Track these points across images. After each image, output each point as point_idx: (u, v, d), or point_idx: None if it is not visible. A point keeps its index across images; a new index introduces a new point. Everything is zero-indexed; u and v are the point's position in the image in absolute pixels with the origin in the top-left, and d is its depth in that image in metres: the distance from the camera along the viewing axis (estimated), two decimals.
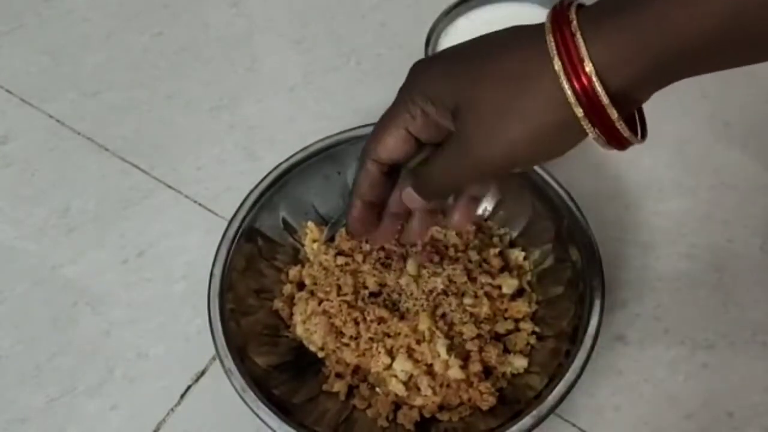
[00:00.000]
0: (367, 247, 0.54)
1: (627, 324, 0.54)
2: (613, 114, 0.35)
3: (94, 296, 0.57)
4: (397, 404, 0.50)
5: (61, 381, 0.54)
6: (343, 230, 0.55)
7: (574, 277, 0.51)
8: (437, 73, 0.39)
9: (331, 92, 0.67)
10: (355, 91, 0.66)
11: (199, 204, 0.61)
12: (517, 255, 0.54)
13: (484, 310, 0.51)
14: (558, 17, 0.36)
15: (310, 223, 0.56)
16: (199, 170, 0.63)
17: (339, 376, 0.51)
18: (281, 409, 0.47)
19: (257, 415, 0.47)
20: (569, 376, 0.47)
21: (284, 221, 0.56)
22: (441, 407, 0.50)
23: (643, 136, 0.38)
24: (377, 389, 0.51)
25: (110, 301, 0.57)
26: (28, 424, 0.53)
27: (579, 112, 0.35)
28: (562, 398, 0.46)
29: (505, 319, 0.52)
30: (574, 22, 0.36)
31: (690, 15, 0.34)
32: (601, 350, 0.48)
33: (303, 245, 0.56)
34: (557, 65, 0.35)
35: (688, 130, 0.62)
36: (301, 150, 0.56)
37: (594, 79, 0.35)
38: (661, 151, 0.61)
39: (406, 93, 0.40)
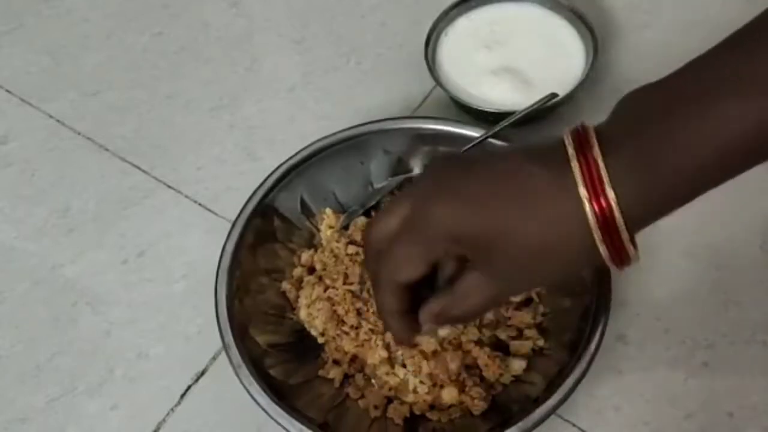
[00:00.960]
0: None
1: (627, 324, 0.54)
2: (625, 236, 0.36)
3: (94, 296, 0.57)
4: (389, 398, 0.50)
5: (61, 381, 0.54)
6: (357, 220, 0.56)
7: (582, 291, 0.51)
8: (461, 216, 0.39)
9: (331, 92, 0.66)
10: (355, 91, 0.66)
11: (199, 204, 0.61)
12: None
13: (488, 315, 0.51)
14: (581, 141, 0.37)
15: (327, 210, 0.56)
16: (199, 170, 0.63)
17: (336, 363, 0.52)
18: (275, 389, 0.48)
19: (248, 392, 0.47)
20: (555, 397, 0.46)
21: (303, 204, 0.56)
22: (432, 406, 0.50)
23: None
24: (372, 381, 0.51)
25: (110, 301, 0.57)
26: (28, 424, 0.53)
27: (598, 236, 0.36)
28: (548, 414, 0.46)
29: (508, 326, 0.52)
30: (596, 148, 0.36)
31: (706, 135, 0.35)
32: (601, 350, 0.48)
33: (319, 230, 0.56)
34: (582, 192, 0.36)
35: None
36: (326, 137, 0.56)
37: (614, 206, 0.36)
38: None
39: (425, 233, 0.40)
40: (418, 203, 0.40)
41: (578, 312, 0.50)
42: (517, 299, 0.52)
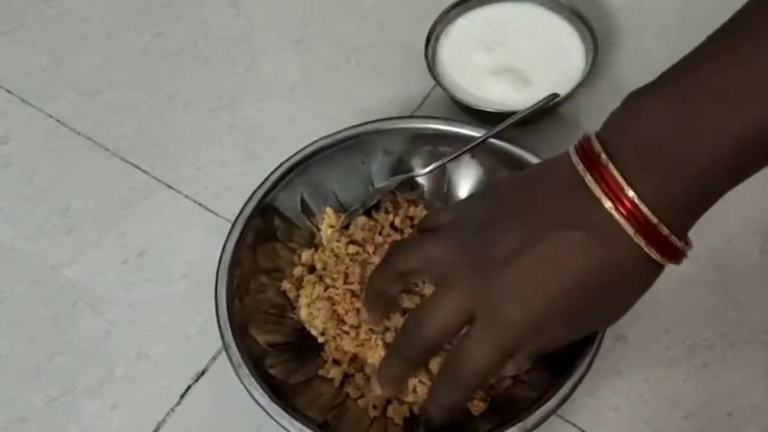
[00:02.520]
0: (379, 239, 0.54)
1: (627, 324, 0.54)
2: (664, 231, 0.37)
3: (94, 296, 0.57)
4: (389, 398, 0.50)
5: (61, 381, 0.54)
6: (358, 219, 0.55)
7: None
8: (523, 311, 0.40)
9: (331, 92, 0.66)
10: (355, 91, 0.66)
11: (199, 204, 0.61)
12: None
13: None
14: (585, 154, 0.38)
15: (328, 209, 0.56)
16: (199, 170, 0.63)
17: (336, 362, 0.52)
18: (275, 389, 0.48)
19: (248, 392, 0.47)
20: (555, 398, 0.46)
21: (303, 203, 0.56)
22: None
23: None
24: (372, 380, 0.51)
25: (110, 301, 0.57)
26: (28, 424, 0.53)
27: (641, 240, 0.37)
28: (548, 415, 0.46)
29: None
30: (603, 155, 0.37)
31: (718, 129, 0.35)
32: (601, 350, 0.48)
33: (319, 229, 0.56)
34: (606, 203, 0.37)
35: None
36: (327, 136, 0.56)
37: (637, 202, 0.36)
38: None
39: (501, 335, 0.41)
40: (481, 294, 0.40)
41: None
42: None
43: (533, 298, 0.39)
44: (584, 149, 0.38)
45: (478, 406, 0.49)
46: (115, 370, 0.54)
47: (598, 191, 0.36)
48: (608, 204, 0.36)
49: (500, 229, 0.40)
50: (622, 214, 0.36)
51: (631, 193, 0.36)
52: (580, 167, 0.37)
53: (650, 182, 0.36)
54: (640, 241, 0.37)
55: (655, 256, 0.37)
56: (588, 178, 0.37)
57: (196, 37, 0.71)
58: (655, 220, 0.36)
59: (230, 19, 0.72)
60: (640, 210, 0.36)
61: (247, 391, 0.47)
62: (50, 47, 0.70)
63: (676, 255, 0.38)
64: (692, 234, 0.57)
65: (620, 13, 0.68)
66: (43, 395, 0.54)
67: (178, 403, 0.53)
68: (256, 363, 0.49)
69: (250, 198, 0.54)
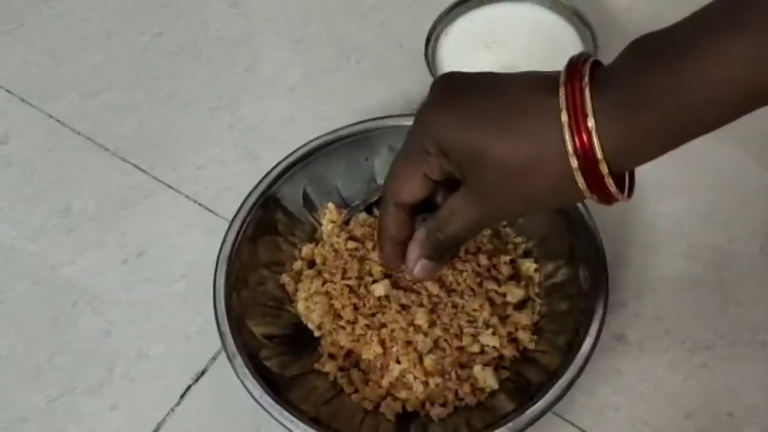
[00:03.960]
0: None
1: (627, 324, 0.54)
2: (604, 169, 0.37)
3: (94, 296, 0.57)
4: (383, 394, 0.51)
5: (61, 381, 0.54)
6: (359, 215, 0.56)
7: (579, 296, 0.51)
8: (450, 125, 0.40)
9: (331, 92, 0.66)
10: (355, 91, 0.66)
11: (199, 204, 0.61)
12: (528, 266, 0.54)
13: (484, 315, 0.51)
14: (572, 71, 0.37)
15: (330, 204, 0.57)
16: (199, 170, 0.63)
17: (332, 357, 0.52)
18: (269, 381, 0.48)
19: (242, 383, 0.47)
20: (547, 399, 0.46)
21: (305, 198, 0.56)
22: (424, 403, 0.50)
23: (630, 193, 0.39)
24: (367, 376, 0.51)
25: (110, 301, 0.57)
26: (28, 424, 0.53)
27: (574, 163, 0.37)
28: (540, 415, 0.46)
29: (503, 325, 0.52)
30: (586, 78, 0.37)
31: (704, 74, 0.35)
32: (601, 350, 0.48)
33: (321, 224, 0.57)
34: (563, 117, 0.36)
35: None
36: (332, 132, 0.56)
37: (593, 135, 0.36)
38: None
39: (419, 140, 0.41)
40: (420, 113, 0.41)
41: (574, 314, 0.50)
42: (514, 301, 0.52)
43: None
44: (573, 64, 0.38)
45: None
46: (115, 370, 0.54)
47: (562, 101, 0.37)
48: (564, 118, 0.36)
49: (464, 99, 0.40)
50: (573, 134, 0.36)
51: (591, 123, 0.36)
52: (563, 76, 0.38)
53: (615, 121, 0.36)
54: (574, 164, 0.37)
55: (581, 184, 0.37)
56: (561, 89, 0.37)
57: (196, 37, 0.71)
58: (600, 155, 0.36)
59: (230, 19, 0.72)
60: (591, 142, 0.36)
61: (241, 382, 0.47)
62: (50, 47, 0.70)
63: (605, 195, 0.38)
64: (693, 233, 0.58)
65: (620, 13, 0.68)
66: (43, 395, 0.54)
67: (178, 403, 0.53)
68: (251, 355, 0.49)
69: (253, 190, 0.54)
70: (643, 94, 0.36)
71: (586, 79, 0.37)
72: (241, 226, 0.53)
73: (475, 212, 0.41)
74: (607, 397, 0.52)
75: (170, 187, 0.62)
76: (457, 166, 0.40)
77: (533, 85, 0.39)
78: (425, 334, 0.50)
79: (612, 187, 0.37)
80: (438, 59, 0.63)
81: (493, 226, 0.54)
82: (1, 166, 0.64)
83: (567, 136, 0.36)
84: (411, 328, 0.50)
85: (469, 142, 0.39)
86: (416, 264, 0.44)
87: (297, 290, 0.54)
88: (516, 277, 0.54)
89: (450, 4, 0.64)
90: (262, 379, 0.48)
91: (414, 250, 0.44)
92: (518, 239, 0.55)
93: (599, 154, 0.36)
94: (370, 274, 0.53)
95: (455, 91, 0.40)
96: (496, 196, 0.40)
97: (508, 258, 0.54)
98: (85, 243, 0.60)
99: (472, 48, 0.63)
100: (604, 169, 0.37)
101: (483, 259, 0.53)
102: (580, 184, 0.37)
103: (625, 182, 0.39)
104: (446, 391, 0.50)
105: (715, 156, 0.60)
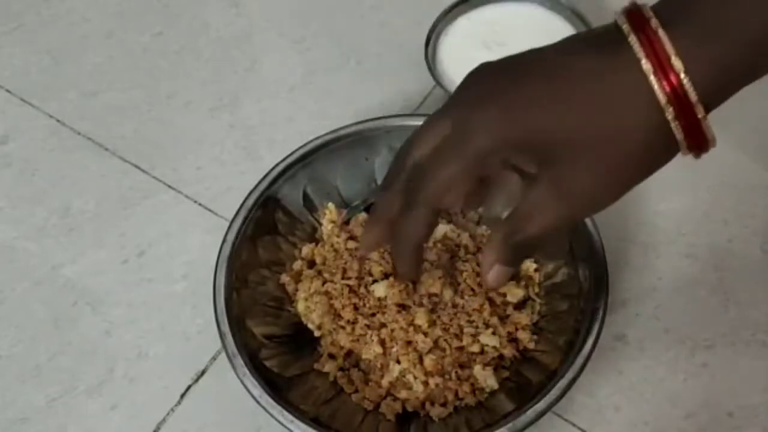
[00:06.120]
0: None
1: (627, 324, 0.54)
2: (700, 112, 0.34)
3: (94, 296, 0.57)
4: (383, 394, 0.51)
5: (61, 381, 0.54)
6: (359, 215, 0.56)
7: (579, 296, 0.51)
8: (516, 116, 0.36)
9: (331, 92, 0.66)
10: (355, 91, 0.66)
11: (199, 204, 0.61)
12: (528, 266, 0.54)
13: (484, 315, 0.51)
14: (634, 18, 0.34)
15: (330, 204, 0.57)
16: (199, 170, 0.63)
17: (332, 357, 0.52)
18: (269, 381, 0.48)
19: (242, 382, 0.47)
20: (547, 399, 0.46)
21: (306, 197, 0.56)
22: (424, 403, 0.50)
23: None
24: (366, 376, 0.51)
25: (110, 301, 0.57)
26: (28, 424, 0.53)
27: (669, 112, 0.34)
28: (540, 415, 0.46)
29: (503, 325, 0.52)
30: (654, 19, 0.34)
31: None
32: (601, 350, 0.48)
33: (321, 224, 0.57)
34: (646, 65, 0.33)
35: None
36: (332, 131, 0.56)
37: (683, 77, 0.33)
38: None
39: (472, 143, 0.36)
40: (461, 115, 0.36)
41: (574, 314, 0.50)
42: (514, 300, 0.52)
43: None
44: (632, 13, 0.34)
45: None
46: (115, 370, 0.54)
47: (639, 50, 0.33)
48: (647, 66, 0.33)
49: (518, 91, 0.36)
50: (660, 81, 0.33)
51: (679, 65, 0.33)
52: (626, 26, 0.34)
53: (701, 57, 0.33)
54: (669, 113, 0.33)
55: (678, 134, 0.34)
56: (632, 38, 0.33)
57: (196, 37, 0.71)
58: (695, 98, 0.33)
59: (230, 19, 0.72)
60: (683, 86, 0.33)
61: (241, 382, 0.47)
62: (50, 47, 0.70)
63: (699, 143, 0.35)
64: (692, 233, 0.58)
65: None
66: (43, 395, 0.54)
67: (178, 403, 0.53)
68: (251, 355, 0.49)
69: (253, 190, 0.54)
70: (721, 24, 0.33)
71: (655, 20, 0.33)
72: (241, 226, 0.53)
73: (562, 207, 0.37)
74: (607, 397, 0.52)
75: (170, 187, 0.62)
76: (535, 157, 0.36)
77: (588, 48, 0.35)
78: (425, 334, 0.50)
79: (710, 130, 0.34)
80: (438, 59, 0.63)
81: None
82: (1, 166, 0.64)
83: (655, 85, 0.33)
84: (411, 328, 0.50)
85: (546, 126, 0.35)
86: (490, 269, 0.40)
87: (297, 290, 0.54)
88: (516, 276, 0.54)
89: (450, 4, 0.64)
90: (262, 379, 0.48)
91: (489, 255, 0.40)
92: None
93: (693, 97, 0.33)
94: (370, 274, 0.53)
95: (503, 81, 0.37)
96: (588, 179, 0.35)
97: None
98: (86, 243, 0.60)
99: (472, 48, 0.63)
100: (699, 111, 0.33)
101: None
102: (677, 135, 0.34)
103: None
104: (446, 391, 0.50)
105: (714, 156, 0.60)
